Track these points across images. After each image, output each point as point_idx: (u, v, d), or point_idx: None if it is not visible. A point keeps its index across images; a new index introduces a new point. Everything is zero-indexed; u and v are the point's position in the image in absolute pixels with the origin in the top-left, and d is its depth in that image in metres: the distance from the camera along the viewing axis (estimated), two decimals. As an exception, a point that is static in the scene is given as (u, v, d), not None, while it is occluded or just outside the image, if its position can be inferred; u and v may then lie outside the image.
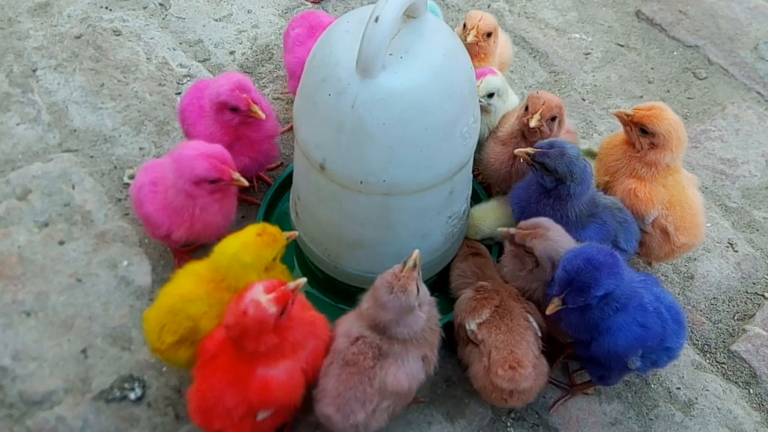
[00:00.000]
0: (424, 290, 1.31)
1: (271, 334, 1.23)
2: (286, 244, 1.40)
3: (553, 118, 1.55)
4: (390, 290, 1.25)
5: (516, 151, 1.49)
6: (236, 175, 1.49)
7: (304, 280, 1.28)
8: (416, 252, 1.27)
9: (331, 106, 1.25)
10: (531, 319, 1.42)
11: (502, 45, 1.87)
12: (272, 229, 1.37)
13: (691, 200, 1.59)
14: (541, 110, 1.52)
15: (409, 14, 1.29)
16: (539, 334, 1.42)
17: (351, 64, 1.21)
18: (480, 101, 1.58)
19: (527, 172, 1.55)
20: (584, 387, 1.54)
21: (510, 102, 1.73)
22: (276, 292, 1.22)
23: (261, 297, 1.21)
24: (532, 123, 1.52)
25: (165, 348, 1.36)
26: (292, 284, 1.25)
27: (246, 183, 1.52)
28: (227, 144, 1.61)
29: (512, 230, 1.43)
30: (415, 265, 1.27)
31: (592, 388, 1.55)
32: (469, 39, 1.70)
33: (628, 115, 1.54)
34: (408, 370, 1.29)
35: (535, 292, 1.46)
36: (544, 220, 1.43)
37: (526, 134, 1.58)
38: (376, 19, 1.15)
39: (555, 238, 1.40)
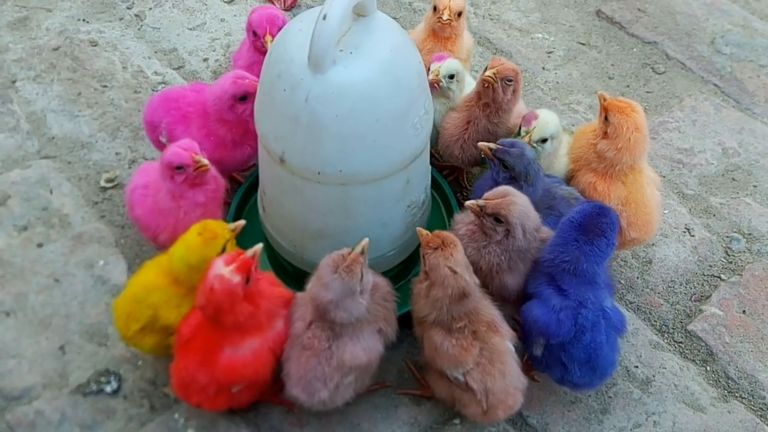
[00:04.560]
0: (368, 279, 1.31)
1: (244, 303, 1.29)
2: (229, 237, 1.40)
3: (509, 81, 1.65)
4: (335, 269, 1.26)
5: (479, 144, 1.56)
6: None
7: (260, 245, 1.33)
8: (366, 240, 1.30)
9: (287, 100, 1.32)
10: (508, 344, 1.38)
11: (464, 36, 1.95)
12: (212, 225, 1.39)
13: (647, 199, 1.65)
14: (497, 68, 1.64)
15: (360, 13, 1.36)
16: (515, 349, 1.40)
17: (303, 61, 1.28)
18: (441, 83, 1.71)
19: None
20: (529, 369, 1.55)
21: (467, 89, 1.80)
22: (236, 261, 1.28)
23: (223, 270, 1.26)
24: (487, 73, 1.64)
25: (131, 335, 1.42)
26: (249, 251, 1.31)
27: None
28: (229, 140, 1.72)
29: (480, 202, 1.40)
30: (362, 252, 1.29)
31: (536, 374, 1.57)
32: (445, 17, 1.80)
33: (605, 99, 1.61)
34: (364, 345, 1.33)
35: (492, 269, 1.44)
36: (510, 188, 1.43)
37: (481, 93, 1.68)
38: (324, 17, 1.22)
39: (524, 203, 1.41)
